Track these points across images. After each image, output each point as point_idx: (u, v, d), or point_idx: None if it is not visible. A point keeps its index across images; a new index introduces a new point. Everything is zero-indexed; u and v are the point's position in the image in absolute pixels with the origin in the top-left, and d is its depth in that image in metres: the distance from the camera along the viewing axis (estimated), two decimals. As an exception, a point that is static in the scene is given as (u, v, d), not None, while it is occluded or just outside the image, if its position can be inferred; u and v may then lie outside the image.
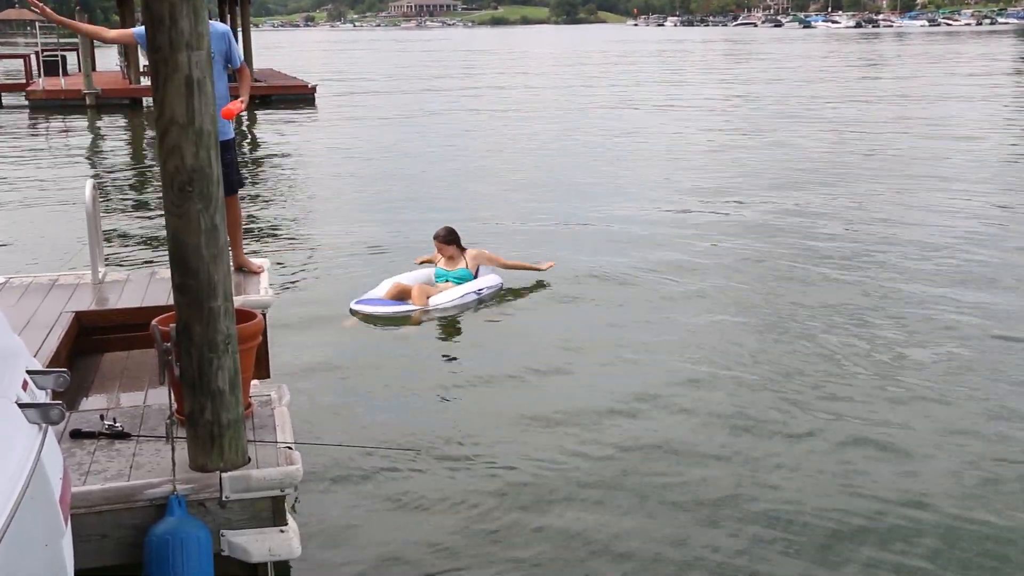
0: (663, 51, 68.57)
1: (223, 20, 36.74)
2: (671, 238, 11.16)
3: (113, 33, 6.74)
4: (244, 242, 6.92)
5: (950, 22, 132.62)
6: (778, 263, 9.92)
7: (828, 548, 4.58)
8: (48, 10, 6.31)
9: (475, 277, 8.80)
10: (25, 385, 2.83)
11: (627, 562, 4.49)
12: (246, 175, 15.56)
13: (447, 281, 8.74)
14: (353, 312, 8.29)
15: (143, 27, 6.09)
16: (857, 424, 5.95)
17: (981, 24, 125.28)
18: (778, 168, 16.23)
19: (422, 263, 9.26)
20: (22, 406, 2.70)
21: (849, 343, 7.40)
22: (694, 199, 13.61)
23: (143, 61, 29.36)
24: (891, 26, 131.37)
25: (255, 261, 6.64)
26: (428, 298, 8.38)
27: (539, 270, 9.18)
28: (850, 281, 9.13)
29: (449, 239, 8.91)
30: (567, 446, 5.69)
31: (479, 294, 8.57)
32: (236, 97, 6.21)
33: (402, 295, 8.44)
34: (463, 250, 8.98)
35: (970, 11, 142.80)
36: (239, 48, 6.50)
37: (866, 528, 4.74)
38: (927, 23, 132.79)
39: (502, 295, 8.77)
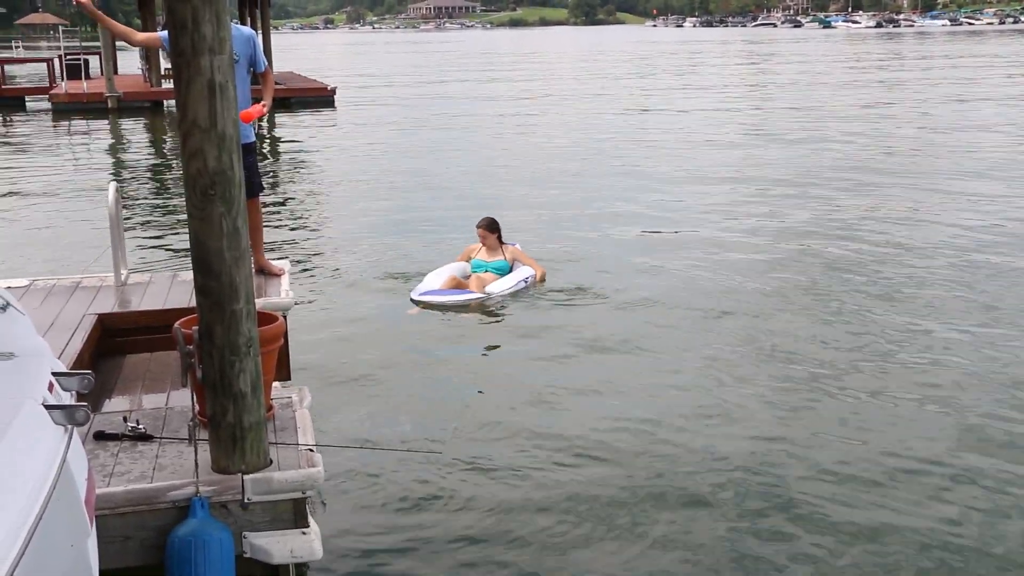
0: (682, 51, 68.38)
1: (243, 23, 36.94)
2: (705, 232, 11.26)
3: (141, 36, 6.79)
4: (266, 244, 6.95)
5: (972, 21, 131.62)
6: (825, 259, 10.00)
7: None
8: (90, 5, 6.37)
9: (511, 269, 9.15)
10: (51, 387, 2.85)
11: (657, 568, 4.48)
12: (266, 177, 15.65)
13: (486, 271, 9.07)
14: (416, 302, 8.59)
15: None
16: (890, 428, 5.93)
17: (1004, 23, 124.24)
18: (809, 168, 16.18)
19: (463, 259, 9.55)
20: (48, 408, 2.72)
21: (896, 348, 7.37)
22: (729, 195, 13.59)
23: (164, 64, 29.53)
24: (912, 26, 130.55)
25: (275, 264, 6.66)
26: (485, 286, 8.75)
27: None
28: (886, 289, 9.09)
29: (492, 227, 9.30)
30: (599, 451, 5.65)
31: (526, 282, 8.97)
32: (260, 100, 6.25)
33: (459, 285, 8.84)
34: (503, 243, 9.32)
35: (992, 10, 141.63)
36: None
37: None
38: (948, 22, 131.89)
39: (534, 293, 8.90)
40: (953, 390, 6.49)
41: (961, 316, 8.07)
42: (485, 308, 8.50)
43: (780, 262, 9.97)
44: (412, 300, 8.67)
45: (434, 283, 8.83)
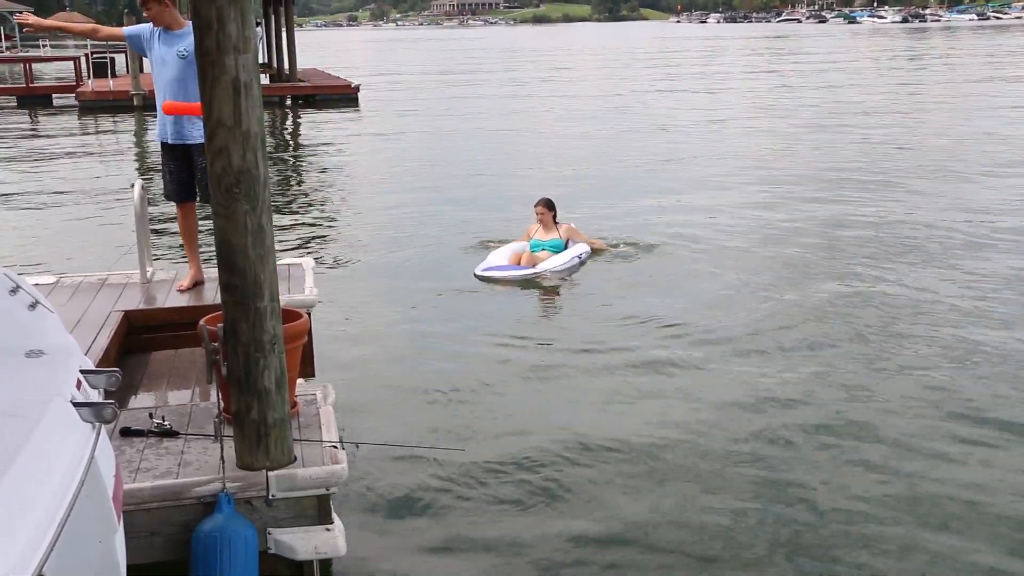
0: (706, 48, 68.02)
1: (267, 21, 37.12)
2: (734, 221, 11.26)
3: (106, 31, 6.73)
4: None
5: (1000, 16, 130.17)
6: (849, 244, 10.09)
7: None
8: (33, 18, 6.34)
9: (566, 247, 9.64)
10: (79, 384, 2.88)
11: (678, 568, 4.47)
12: (290, 175, 15.72)
13: (543, 250, 9.54)
14: (480, 278, 9.10)
15: (135, 26, 6.11)
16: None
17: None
18: (833, 163, 16.09)
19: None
20: (76, 405, 2.75)
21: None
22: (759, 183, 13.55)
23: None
24: (938, 20, 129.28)
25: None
26: (536, 263, 9.27)
27: (613, 249, 9.96)
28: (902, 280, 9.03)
29: (550, 206, 9.87)
30: (621, 446, 5.61)
31: (580, 259, 9.48)
32: None
33: (519, 262, 9.38)
34: (557, 223, 9.86)
35: (1021, 4, 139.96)
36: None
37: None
38: (976, 17, 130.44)
39: (567, 278, 9.17)
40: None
41: None
42: (527, 297, 8.71)
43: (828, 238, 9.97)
44: (476, 276, 9.17)
45: (495, 261, 9.34)
